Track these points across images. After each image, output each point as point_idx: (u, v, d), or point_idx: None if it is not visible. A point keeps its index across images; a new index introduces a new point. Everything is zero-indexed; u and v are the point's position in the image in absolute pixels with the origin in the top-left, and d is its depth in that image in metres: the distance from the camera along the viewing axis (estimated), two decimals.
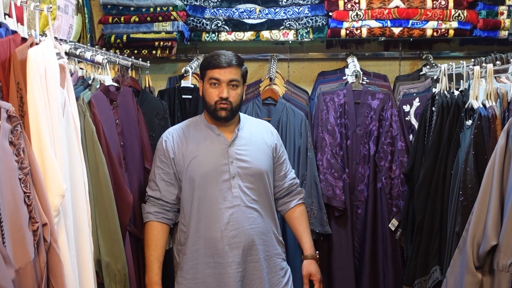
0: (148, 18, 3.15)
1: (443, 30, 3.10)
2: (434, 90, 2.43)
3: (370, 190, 2.89)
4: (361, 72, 2.98)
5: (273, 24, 3.21)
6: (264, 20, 3.21)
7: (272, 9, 3.21)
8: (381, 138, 2.86)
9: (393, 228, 2.86)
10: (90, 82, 2.14)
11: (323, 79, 3.30)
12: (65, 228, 1.62)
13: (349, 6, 3.11)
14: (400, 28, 3.12)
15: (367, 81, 3.03)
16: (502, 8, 3.06)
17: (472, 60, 2.29)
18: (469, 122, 1.97)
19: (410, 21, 3.11)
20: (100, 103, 2.06)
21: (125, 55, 2.90)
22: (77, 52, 2.11)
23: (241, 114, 2.33)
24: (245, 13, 3.21)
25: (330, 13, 3.16)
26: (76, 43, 2.50)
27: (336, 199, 2.84)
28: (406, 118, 2.89)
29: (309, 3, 3.19)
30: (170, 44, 3.17)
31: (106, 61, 2.23)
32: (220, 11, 3.21)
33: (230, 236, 2.09)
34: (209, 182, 2.12)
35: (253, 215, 2.14)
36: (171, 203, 2.19)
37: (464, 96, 2.10)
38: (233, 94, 2.14)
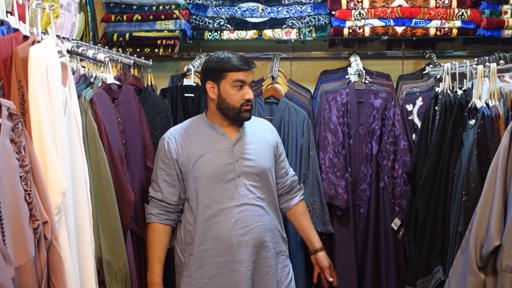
0: (151, 17, 3.15)
1: (446, 29, 3.09)
2: (437, 89, 2.42)
3: (373, 189, 2.88)
4: (364, 71, 2.97)
5: (275, 23, 3.21)
6: (266, 18, 3.21)
7: (274, 8, 3.21)
8: (383, 137, 2.85)
9: (395, 228, 2.84)
10: (92, 80, 2.13)
11: (325, 78, 3.29)
12: (66, 226, 1.62)
13: (352, 5, 3.10)
14: (403, 27, 3.11)
15: (370, 80, 3.02)
16: (506, 7, 3.04)
17: (476, 59, 2.27)
18: (472, 122, 1.96)
19: (413, 20, 3.09)
20: (102, 101, 2.05)
21: (128, 53, 2.90)
22: (79, 50, 2.11)
23: None
24: (247, 12, 3.21)
25: (333, 12, 3.15)
26: (79, 41, 2.50)
27: (338, 198, 2.83)
28: (409, 117, 2.88)
29: (311, 2, 3.18)
30: (172, 42, 3.17)
31: (108, 59, 2.23)
32: (223, 9, 3.21)
33: (238, 235, 2.11)
34: (215, 182, 2.13)
35: (259, 213, 2.15)
36: (173, 204, 2.20)
37: (467, 96, 2.09)
38: (252, 95, 2.18)
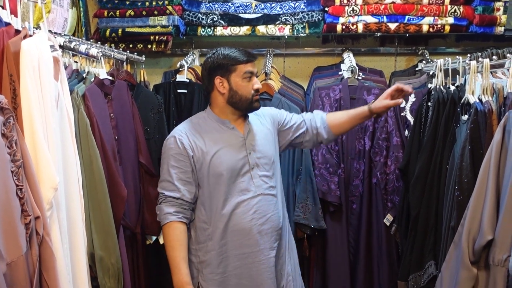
0: (144, 12, 3.13)
1: (439, 26, 3.09)
2: (429, 85, 2.42)
3: (365, 185, 2.89)
4: (357, 68, 2.98)
5: (269, 19, 3.20)
6: (260, 15, 3.20)
7: (268, 4, 3.20)
8: (376, 133, 2.86)
9: (388, 224, 2.86)
10: (84, 75, 2.13)
11: (318, 74, 3.29)
12: (58, 221, 1.62)
13: (345, 1, 3.10)
14: (396, 24, 3.11)
15: (363, 76, 3.02)
16: (498, 4, 3.05)
17: (468, 55, 2.28)
18: (465, 117, 1.96)
19: (406, 17, 3.10)
20: (95, 96, 2.05)
21: (120, 49, 2.88)
22: (72, 45, 2.10)
23: None
24: (241, 8, 3.20)
25: (326, 8, 3.14)
26: (71, 37, 2.49)
27: (331, 194, 2.84)
28: (402, 114, 2.88)
29: None
30: (165, 38, 3.15)
31: (100, 54, 2.22)
32: (216, 5, 3.20)
33: (259, 224, 2.15)
34: (232, 176, 2.15)
35: (273, 201, 2.21)
36: (190, 202, 2.17)
37: (460, 91, 2.10)
38: (261, 85, 2.25)
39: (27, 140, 1.51)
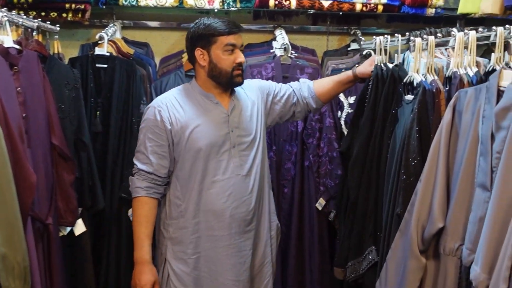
0: None
1: (372, 5, 3.07)
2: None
3: (297, 168, 2.84)
4: (290, 46, 2.90)
5: None
6: None
7: None
8: (309, 115, 2.78)
9: (320, 208, 2.82)
10: None
11: (249, 52, 3.18)
12: None
13: None
14: (330, 1, 3.05)
15: (296, 55, 2.97)
16: None
17: (407, 33, 2.25)
18: (409, 97, 1.90)
19: None
20: None
21: (31, 17, 2.61)
22: None
23: None
24: None
25: None
26: None
27: None
28: None
29: None
30: (83, 7, 2.90)
31: (6, 19, 1.98)
32: None
33: (232, 208, 2.11)
34: (212, 153, 2.10)
35: (250, 184, 2.15)
36: (163, 177, 2.13)
37: (400, 70, 2.04)
38: (244, 59, 2.16)
39: None
